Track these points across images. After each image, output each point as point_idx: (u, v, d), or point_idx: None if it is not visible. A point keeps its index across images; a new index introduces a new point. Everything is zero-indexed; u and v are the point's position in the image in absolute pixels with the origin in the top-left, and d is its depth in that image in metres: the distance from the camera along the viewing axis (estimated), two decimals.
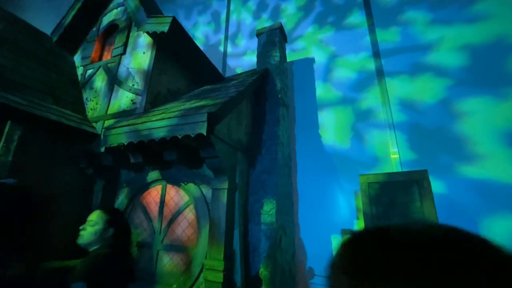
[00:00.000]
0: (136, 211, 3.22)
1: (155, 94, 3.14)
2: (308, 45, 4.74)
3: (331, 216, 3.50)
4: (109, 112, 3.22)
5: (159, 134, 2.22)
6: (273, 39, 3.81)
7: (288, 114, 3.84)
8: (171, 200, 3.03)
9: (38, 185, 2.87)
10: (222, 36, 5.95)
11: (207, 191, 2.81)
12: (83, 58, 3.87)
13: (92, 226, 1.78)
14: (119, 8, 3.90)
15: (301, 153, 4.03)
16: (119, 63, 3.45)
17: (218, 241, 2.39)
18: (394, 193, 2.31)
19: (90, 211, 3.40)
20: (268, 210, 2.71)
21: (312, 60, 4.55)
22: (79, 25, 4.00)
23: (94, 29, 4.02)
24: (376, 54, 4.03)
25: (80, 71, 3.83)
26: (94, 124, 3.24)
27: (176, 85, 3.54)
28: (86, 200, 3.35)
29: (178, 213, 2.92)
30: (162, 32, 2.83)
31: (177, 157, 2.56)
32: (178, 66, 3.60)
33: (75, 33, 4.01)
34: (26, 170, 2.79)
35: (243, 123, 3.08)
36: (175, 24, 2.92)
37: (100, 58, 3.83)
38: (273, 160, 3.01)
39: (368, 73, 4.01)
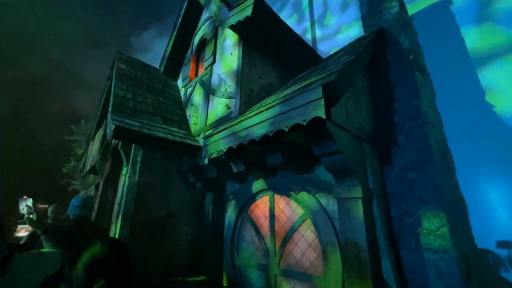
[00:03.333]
0: (245, 226, 2.89)
1: (248, 93, 2.79)
2: None
3: None
4: (208, 123, 3.13)
5: (259, 131, 1.73)
6: None
7: (426, 82, 2.62)
8: (282, 214, 2.50)
9: (160, 202, 3.03)
10: (307, 23, 5.28)
11: (326, 201, 2.09)
12: (183, 80, 4.12)
13: None
14: (205, 23, 3.96)
15: (457, 138, 2.66)
16: (211, 73, 3.38)
17: (361, 275, 1.60)
18: None
19: (203, 227, 3.44)
20: (435, 229, 1.68)
21: (447, 2, 3.13)
22: (178, 52, 4.34)
23: (189, 51, 4.25)
24: None
25: (182, 92, 4.09)
26: (197, 138, 3.22)
27: (267, 80, 3.11)
28: (199, 215, 3.33)
29: (292, 230, 2.34)
30: (247, 18, 2.46)
31: (283, 159, 2.00)
32: (266, 58, 3.20)
33: (175, 60, 4.37)
34: (149, 188, 2.99)
35: (363, 103, 2.22)
36: (259, 3, 2.49)
37: (196, 75, 3.95)
38: (422, 150, 1.96)
39: None
